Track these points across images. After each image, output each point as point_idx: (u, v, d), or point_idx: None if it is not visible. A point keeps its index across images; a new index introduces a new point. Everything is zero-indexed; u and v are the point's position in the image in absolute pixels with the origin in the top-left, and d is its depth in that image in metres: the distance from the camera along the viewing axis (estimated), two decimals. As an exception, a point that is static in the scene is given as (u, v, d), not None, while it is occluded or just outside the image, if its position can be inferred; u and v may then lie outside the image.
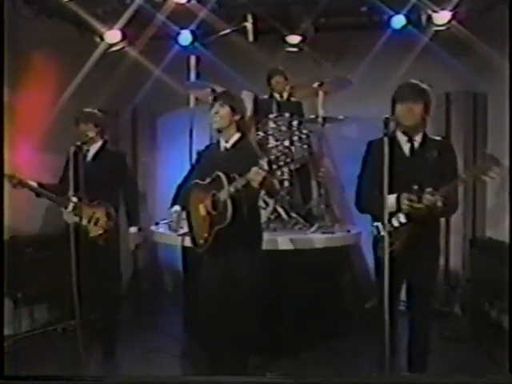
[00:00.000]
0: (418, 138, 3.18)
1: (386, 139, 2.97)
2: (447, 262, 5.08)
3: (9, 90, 3.72)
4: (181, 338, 4.41)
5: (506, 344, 3.48)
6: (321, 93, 4.68)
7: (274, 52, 5.10)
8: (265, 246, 3.69)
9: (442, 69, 5.03)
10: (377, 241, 3.19)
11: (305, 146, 4.67)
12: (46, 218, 4.65)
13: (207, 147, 3.71)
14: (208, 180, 3.38)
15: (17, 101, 4.18)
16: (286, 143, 4.57)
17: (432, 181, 3.02)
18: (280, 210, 4.60)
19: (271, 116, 4.66)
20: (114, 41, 4.83)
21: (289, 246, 4.10)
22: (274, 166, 3.06)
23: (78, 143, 3.69)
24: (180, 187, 3.65)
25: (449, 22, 4.55)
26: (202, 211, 3.39)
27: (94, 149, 3.96)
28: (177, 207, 3.57)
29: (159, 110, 5.85)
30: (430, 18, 4.61)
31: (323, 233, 4.39)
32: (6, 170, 3.59)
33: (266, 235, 3.78)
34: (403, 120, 3.15)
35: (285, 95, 5.03)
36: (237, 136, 3.45)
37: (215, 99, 3.49)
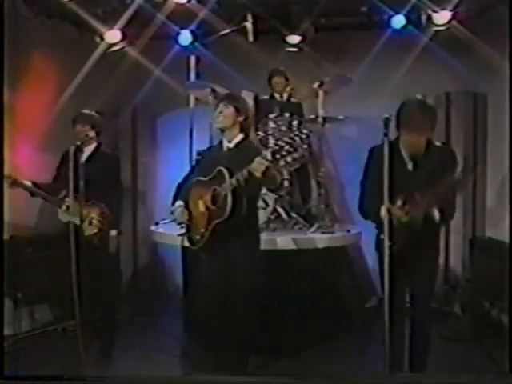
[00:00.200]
0: (421, 150, 3.18)
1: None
2: (447, 261, 5.08)
3: (9, 90, 3.73)
4: (181, 338, 4.40)
5: (506, 344, 3.48)
6: (321, 93, 4.68)
7: (274, 52, 5.09)
8: (265, 246, 3.70)
9: (442, 69, 5.03)
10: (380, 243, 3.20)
11: (305, 146, 4.67)
12: (45, 218, 4.65)
13: (209, 148, 3.72)
14: (210, 176, 3.39)
15: (17, 101, 4.18)
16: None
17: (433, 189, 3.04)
18: (280, 209, 4.60)
19: (271, 116, 4.66)
20: (114, 41, 4.83)
21: (289, 246, 4.10)
22: (278, 155, 3.08)
23: (78, 143, 3.69)
24: (180, 186, 3.66)
25: (449, 22, 4.54)
26: (202, 207, 3.41)
27: (88, 150, 3.97)
28: (180, 202, 3.56)
29: (159, 110, 5.85)
30: (429, 17, 4.61)
31: (323, 233, 4.39)
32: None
33: (265, 235, 3.79)
34: (409, 148, 3.16)
35: (285, 96, 5.04)
36: (240, 137, 3.47)
37: (220, 100, 3.51)
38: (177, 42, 5.08)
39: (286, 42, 5.12)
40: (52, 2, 4.57)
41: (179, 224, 3.73)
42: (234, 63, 5.07)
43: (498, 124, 4.66)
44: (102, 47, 4.83)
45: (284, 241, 4.11)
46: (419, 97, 3.23)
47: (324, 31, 5.19)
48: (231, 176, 3.23)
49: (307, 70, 5.20)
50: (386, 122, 3.01)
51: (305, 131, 4.67)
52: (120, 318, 4.60)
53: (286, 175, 4.71)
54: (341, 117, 4.80)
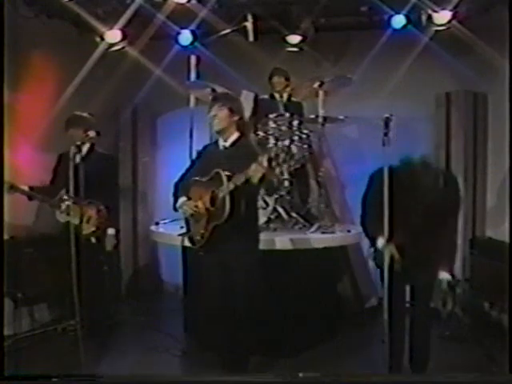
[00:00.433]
0: None
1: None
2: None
3: (9, 90, 3.72)
4: (181, 338, 4.40)
5: (505, 344, 3.48)
6: (321, 93, 4.67)
7: (274, 52, 5.09)
8: (264, 246, 3.70)
9: (442, 69, 5.03)
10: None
11: (305, 146, 4.67)
12: (44, 218, 4.64)
13: (205, 146, 3.71)
14: (207, 177, 3.39)
15: (17, 101, 4.18)
16: (286, 143, 4.57)
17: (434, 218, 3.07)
18: (280, 209, 4.59)
19: (271, 116, 4.65)
20: (114, 41, 4.82)
21: (289, 246, 4.09)
22: (274, 163, 3.09)
23: (78, 143, 3.68)
24: (177, 185, 3.65)
25: (449, 21, 4.53)
26: (201, 208, 3.41)
27: (83, 150, 3.97)
28: (183, 198, 3.54)
29: (159, 110, 5.85)
30: (430, 17, 4.60)
31: (323, 233, 4.39)
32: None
33: (265, 235, 3.79)
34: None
35: (285, 95, 5.04)
36: (236, 135, 3.47)
37: (213, 101, 3.50)
38: (177, 41, 5.08)
39: (286, 42, 5.11)
40: (52, 1, 4.57)
41: (186, 220, 3.70)
42: (234, 63, 5.07)
43: (498, 124, 4.66)
44: (101, 47, 4.82)
45: (283, 241, 4.10)
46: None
47: (324, 31, 5.18)
48: (229, 178, 3.23)
49: (307, 70, 5.19)
50: (386, 121, 3.01)
51: (305, 131, 4.68)
52: (120, 318, 4.61)
53: (286, 175, 4.71)
54: (341, 117, 4.79)
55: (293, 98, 5.06)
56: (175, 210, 3.61)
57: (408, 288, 3.42)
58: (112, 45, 4.84)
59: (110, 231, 4.15)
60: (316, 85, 4.70)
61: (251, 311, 3.49)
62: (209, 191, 3.36)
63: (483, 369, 3.75)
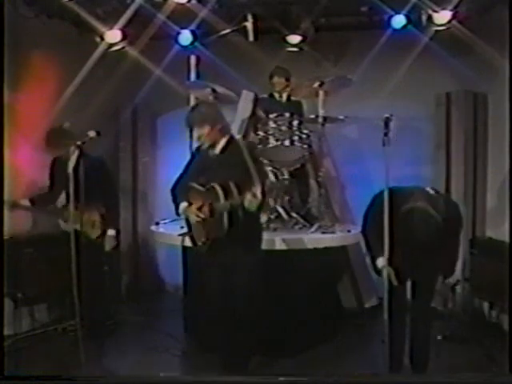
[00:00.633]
0: None
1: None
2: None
3: (9, 90, 3.72)
4: (181, 338, 4.40)
5: (505, 344, 3.48)
6: (321, 93, 4.67)
7: (274, 52, 5.09)
8: (264, 246, 3.70)
9: (442, 69, 5.04)
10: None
11: (305, 146, 4.67)
12: (44, 218, 4.65)
13: (197, 149, 3.69)
14: (203, 188, 3.42)
15: (17, 101, 4.18)
16: (287, 143, 4.57)
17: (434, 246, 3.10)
18: (280, 209, 4.60)
19: (271, 116, 4.65)
20: (115, 41, 4.82)
21: (289, 246, 4.09)
22: (268, 196, 3.17)
23: (79, 142, 3.66)
24: (174, 191, 3.64)
25: (449, 21, 4.53)
26: (200, 216, 3.43)
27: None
28: (184, 203, 3.53)
29: (159, 110, 5.85)
30: (430, 17, 4.60)
31: (323, 233, 4.39)
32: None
33: (265, 235, 3.79)
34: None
35: (284, 95, 5.04)
36: (224, 140, 3.50)
37: (190, 124, 3.52)
38: (177, 41, 5.07)
39: (286, 42, 5.10)
40: (52, 1, 4.57)
41: (186, 220, 3.70)
42: (234, 63, 5.07)
43: (498, 124, 4.66)
44: (102, 47, 4.82)
45: (283, 241, 4.10)
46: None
47: (324, 31, 5.18)
48: (225, 193, 3.26)
49: (307, 70, 5.19)
50: (386, 121, 3.01)
51: (305, 131, 4.67)
52: (120, 318, 4.61)
53: (286, 175, 4.71)
54: (341, 117, 4.79)
55: (292, 98, 5.06)
56: (178, 215, 3.64)
57: (408, 288, 3.43)
58: (112, 45, 4.84)
59: (110, 232, 4.16)
60: (316, 85, 4.70)
61: (251, 311, 3.49)
62: (207, 203, 3.39)
63: (483, 369, 3.75)
